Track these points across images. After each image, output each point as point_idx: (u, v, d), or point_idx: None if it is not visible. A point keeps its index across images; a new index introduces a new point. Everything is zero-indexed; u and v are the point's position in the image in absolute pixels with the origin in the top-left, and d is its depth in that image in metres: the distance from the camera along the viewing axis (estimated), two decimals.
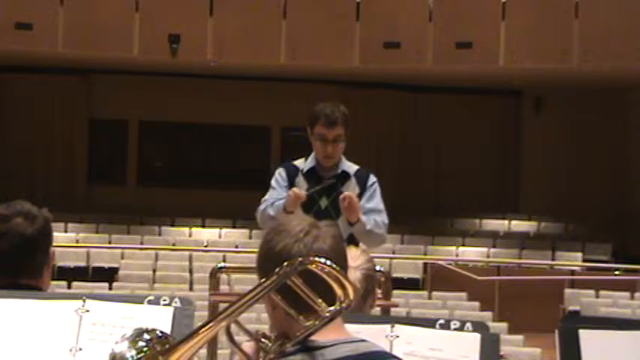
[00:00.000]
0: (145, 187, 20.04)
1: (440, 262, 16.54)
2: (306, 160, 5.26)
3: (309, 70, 17.61)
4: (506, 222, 19.69)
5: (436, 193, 20.14)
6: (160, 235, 18.13)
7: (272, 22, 16.63)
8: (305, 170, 5.22)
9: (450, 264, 16.54)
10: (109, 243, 17.11)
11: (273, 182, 5.30)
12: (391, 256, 16.67)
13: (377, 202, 5.22)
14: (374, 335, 2.40)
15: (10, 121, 19.42)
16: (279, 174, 5.29)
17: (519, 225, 19.62)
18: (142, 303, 2.77)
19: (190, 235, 18.16)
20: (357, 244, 4.61)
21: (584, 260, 17.65)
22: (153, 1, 16.66)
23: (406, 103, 19.84)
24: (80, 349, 2.67)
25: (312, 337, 2.16)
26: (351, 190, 5.16)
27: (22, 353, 2.67)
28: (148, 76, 19.03)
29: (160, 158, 20.69)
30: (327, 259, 2.10)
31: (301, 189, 5.16)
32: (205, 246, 17.12)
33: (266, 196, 5.28)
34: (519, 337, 11.36)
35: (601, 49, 15.75)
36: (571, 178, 19.41)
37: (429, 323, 2.76)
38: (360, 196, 5.16)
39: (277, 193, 5.23)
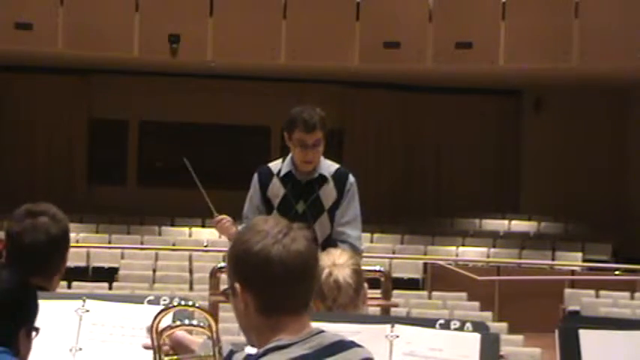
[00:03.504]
0: (145, 187, 20.03)
1: (440, 262, 16.53)
2: (283, 161, 5.16)
3: (309, 70, 17.59)
4: (506, 222, 19.67)
5: (436, 193, 20.12)
6: (160, 235, 18.12)
7: (272, 22, 16.62)
8: (282, 174, 5.12)
9: (450, 264, 16.53)
10: (109, 243, 17.10)
11: (250, 191, 5.23)
12: (391, 256, 16.67)
13: (353, 212, 5.11)
14: (374, 335, 2.39)
15: (10, 121, 19.41)
16: (253, 183, 5.20)
17: (519, 225, 19.60)
18: (142, 303, 2.78)
19: (190, 235, 18.14)
20: (335, 247, 4.53)
21: (584, 260, 17.63)
22: (153, 1, 16.65)
23: (406, 103, 19.82)
24: (80, 349, 2.68)
25: (279, 336, 2.19)
26: (328, 194, 5.07)
27: None
28: (148, 76, 19.01)
29: (160, 158, 20.65)
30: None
31: (278, 193, 5.10)
32: (205, 246, 17.10)
33: (245, 209, 5.23)
34: (519, 337, 11.35)
35: (601, 49, 15.75)
36: (571, 178, 19.38)
37: (429, 323, 2.76)
38: (338, 202, 5.08)
39: (252, 205, 5.19)
